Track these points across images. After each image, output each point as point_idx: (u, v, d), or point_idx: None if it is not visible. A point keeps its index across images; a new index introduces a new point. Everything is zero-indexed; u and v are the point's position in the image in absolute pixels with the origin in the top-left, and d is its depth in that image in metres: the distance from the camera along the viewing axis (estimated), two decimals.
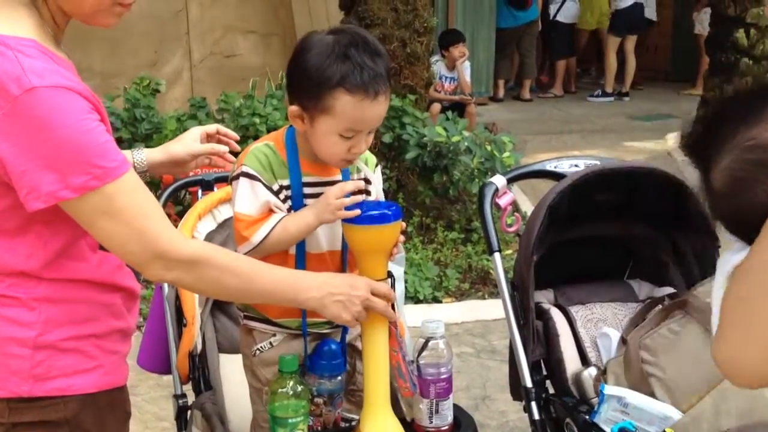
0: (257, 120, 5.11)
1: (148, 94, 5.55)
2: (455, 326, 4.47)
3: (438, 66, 8.14)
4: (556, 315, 2.23)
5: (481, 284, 4.85)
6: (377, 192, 1.94)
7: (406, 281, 4.64)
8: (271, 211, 1.77)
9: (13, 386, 1.46)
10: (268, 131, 5.15)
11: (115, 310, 1.57)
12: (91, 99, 1.40)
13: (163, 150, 1.94)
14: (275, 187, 1.79)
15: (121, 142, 5.04)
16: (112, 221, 1.41)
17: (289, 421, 1.71)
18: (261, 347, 1.89)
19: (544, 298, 2.35)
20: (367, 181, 1.92)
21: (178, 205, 4.75)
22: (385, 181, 5.34)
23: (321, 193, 1.83)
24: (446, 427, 1.88)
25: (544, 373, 2.21)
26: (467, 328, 4.45)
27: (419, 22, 5.81)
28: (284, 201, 1.81)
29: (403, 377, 1.82)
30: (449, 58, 8.11)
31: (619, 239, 2.38)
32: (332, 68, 1.67)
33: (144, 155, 1.91)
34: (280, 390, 1.73)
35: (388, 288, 1.76)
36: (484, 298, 4.76)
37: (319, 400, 1.87)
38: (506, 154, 5.01)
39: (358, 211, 1.70)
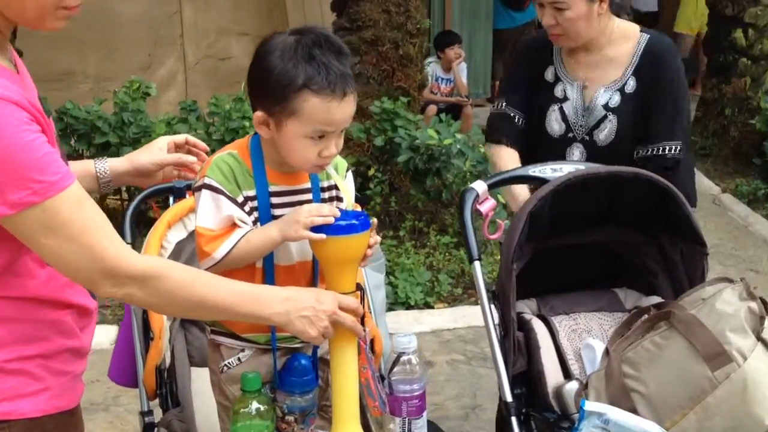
0: (247, 123, 5.04)
1: (138, 97, 5.48)
2: (447, 332, 4.40)
3: (434, 67, 8.08)
4: (538, 326, 2.15)
5: (474, 290, 4.77)
6: (348, 198, 1.87)
7: (395, 286, 4.57)
8: (234, 225, 1.70)
9: None
10: None
11: (65, 328, 1.50)
12: (30, 109, 1.33)
13: (127, 160, 1.87)
14: (240, 199, 1.72)
15: (109, 147, 4.98)
16: (56, 238, 1.34)
17: None
18: (228, 363, 1.82)
19: (527, 307, 2.27)
20: (338, 188, 1.86)
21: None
22: (377, 184, 5.28)
23: (289, 203, 1.77)
24: None
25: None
26: (459, 334, 4.37)
27: (412, 23, 5.74)
28: (250, 213, 1.74)
29: (372, 395, 1.74)
30: (445, 59, 8.04)
31: (605, 246, 2.30)
32: (297, 69, 1.61)
33: (107, 165, 1.84)
34: (242, 410, 1.66)
35: (356, 302, 1.69)
36: (477, 304, 4.67)
37: (290, 418, 1.81)
38: None
39: (323, 236, 1.63)
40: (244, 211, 1.73)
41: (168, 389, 2.08)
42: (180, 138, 1.93)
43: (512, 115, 2.71)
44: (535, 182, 2.32)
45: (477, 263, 2.22)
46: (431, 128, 5.06)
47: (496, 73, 10.30)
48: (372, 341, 2.22)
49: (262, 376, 1.73)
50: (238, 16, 8.16)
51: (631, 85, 2.61)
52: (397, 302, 4.54)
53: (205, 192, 1.71)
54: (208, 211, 1.70)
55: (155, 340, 2.06)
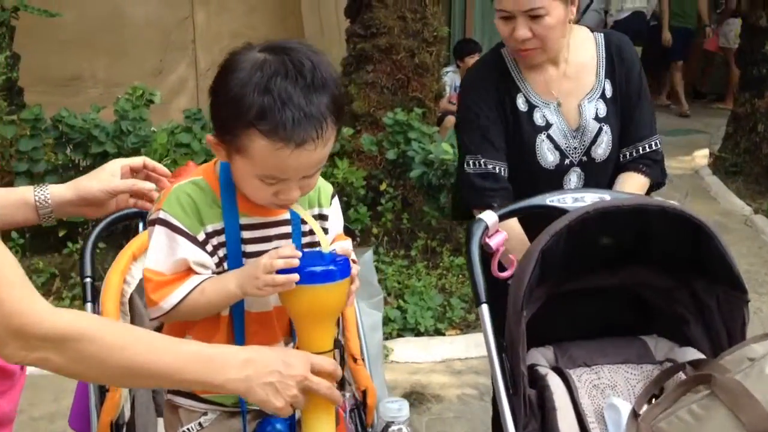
0: None
1: (141, 105, 5.23)
2: (458, 362, 4.10)
3: (452, 77, 7.81)
4: (554, 382, 1.85)
5: None
6: (335, 228, 1.60)
7: (404, 311, 4.29)
8: (189, 271, 1.43)
9: None
10: None
11: None
12: None
13: (72, 187, 1.61)
14: (201, 237, 1.46)
15: (107, 157, 4.73)
16: None
17: None
18: (188, 429, 1.55)
19: (543, 357, 1.98)
20: (323, 217, 1.58)
21: None
22: (388, 200, 4.99)
23: (263, 238, 1.50)
24: None
25: None
26: (471, 365, 4.07)
27: (429, 31, 5.46)
28: (216, 249, 1.47)
29: None
30: (464, 68, 7.75)
31: (630, 289, 2.01)
32: (249, 100, 1.32)
33: (48, 193, 1.58)
34: None
35: (333, 364, 1.42)
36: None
37: None
38: None
39: (293, 285, 1.36)
40: (206, 249, 1.46)
41: None
42: (137, 161, 1.66)
43: (495, 170, 2.30)
44: (554, 212, 2.03)
45: (485, 307, 1.93)
46: (446, 142, 4.77)
47: None
48: (364, 393, 1.96)
49: None
50: (252, 21, 7.93)
51: (609, 90, 2.35)
52: (405, 328, 4.26)
53: (158, 229, 1.45)
54: (160, 252, 1.44)
55: (110, 392, 1.78)
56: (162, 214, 1.45)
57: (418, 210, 5.09)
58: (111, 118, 4.97)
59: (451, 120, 7.71)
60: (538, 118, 2.33)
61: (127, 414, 1.86)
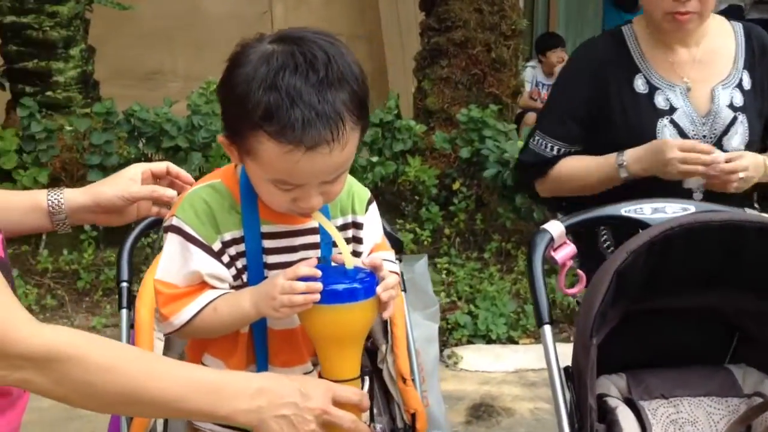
0: None
1: (214, 100, 5.18)
2: (531, 373, 3.89)
3: (534, 72, 7.55)
4: (625, 417, 1.66)
5: (566, 324, 4.23)
6: (371, 238, 1.45)
7: (475, 317, 4.11)
8: (204, 284, 1.30)
9: None
10: None
11: None
12: None
13: (87, 192, 1.50)
14: (216, 246, 1.32)
15: (179, 151, 4.69)
16: None
17: None
18: None
19: (614, 386, 1.79)
20: (357, 225, 1.44)
21: None
22: (461, 200, 4.81)
23: (287, 248, 1.36)
24: None
25: None
26: (546, 377, 3.84)
27: (506, 24, 5.25)
28: (234, 260, 1.34)
29: None
30: (546, 63, 7.49)
31: (718, 312, 1.79)
32: (255, 98, 1.18)
33: (62, 197, 1.47)
34: None
35: (359, 393, 1.26)
36: (569, 341, 4.15)
37: None
38: None
39: (309, 305, 1.21)
40: (222, 260, 1.33)
41: None
42: (159, 166, 1.54)
43: (554, 151, 2.23)
44: (630, 225, 1.84)
45: (547, 328, 1.75)
46: (522, 140, 4.55)
47: None
48: (413, 417, 1.81)
49: None
50: (329, 15, 7.85)
51: (747, 81, 2.16)
52: (476, 335, 4.07)
53: (171, 237, 1.33)
54: (172, 263, 1.32)
55: None
56: (175, 221, 1.33)
57: (493, 210, 4.89)
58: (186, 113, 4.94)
59: (531, 117, 7.45)
60: (660, 101, 2.15)
61: (159, 429, 1.75)
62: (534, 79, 7.59)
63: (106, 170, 4.58)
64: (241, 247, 1.34)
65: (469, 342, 4.05)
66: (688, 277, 1.71)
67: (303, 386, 1.22)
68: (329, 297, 1.22)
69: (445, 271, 4.51)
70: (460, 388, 3.67)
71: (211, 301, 1.29)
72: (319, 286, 1.21)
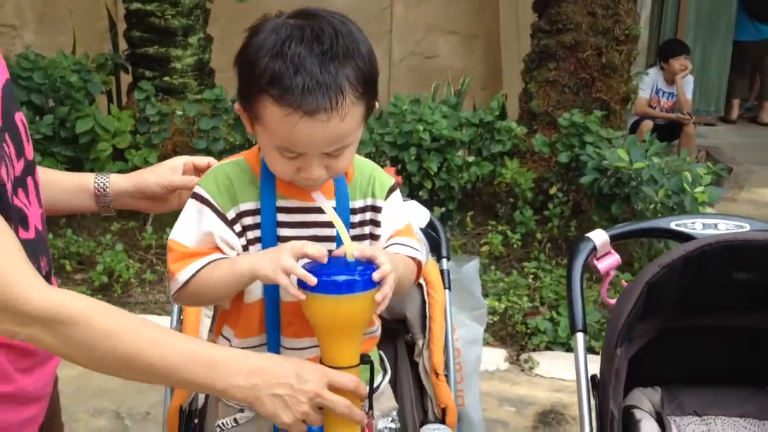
0: (421, 127, 4.71)
1: None
2: None
3: (655, 78, 7.33)
4: (647, 430, 1.63)
5: None
6: (390, 224, 1.49)
7: (557, 323, 4.06)
8: (216, 249, 1.38)
9: None
10: (433, 140, 4.74)
11: None
12: None
13: (131, 178, 1.59)
14: (230, 215, 1.39)
15: None
16: None
17: None
18: (223, 424, 1.49)
19: (647, 400, 1.76)
20: (376, 209, 1.48)
21: None
22: (557, 205, 4.75)
23: (301, 223, 1.42)
24: None
25: None
26: None
27: (620, 29, 5.12)
28: (245, 230, 1.41)
29: None
30: (669, 71, 7.27)
31: (760, 334, 1.73)
32: (262, 65, 1.26)
33: (107, 181, 1.57)
34: None
35: (354, 381, 1.30)
36: None
37: None
38: (699, 188, 4.24)
39: (311, 281, 1.26)
40: (233, 229, 1.39)
41: None
42: (202, 161, 1.62)
43: None
44: (677, 239, 1.80)
45: (580, 336, 1.75)
46: (622, 148, 4.45)
47: (733, 90, 9.27)
48: (444, 411, 1.84)
49: None
50: (448, 13, 7.86)
51: None
52: (556, 342, 4.02)
53: (190, 201, 1.42)
54: (188, 224, 1.40)
55: None
56: (197, 189, 1.42)
57: (589, 218, 4.80)
58: None
59: (648, 124, 7.25)
60: None
61: (201, 401, 1.85)
62: (654, 86, 7.37)
63: (211, 155, 4.78)
64: (256, 219, 1.40)
65: (548, 348, 4.01)
66: (728, 296, 1.66)
67: (300, 369, 1.27)
68: (329, 287, 1.26)
69: (532, 276, 4.47)
70: (531, 393, 3.65)
71: (213, 260, 1.36)
72: (313, 280, 1.25)
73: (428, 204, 4.86)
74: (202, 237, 1.38)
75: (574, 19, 5.10)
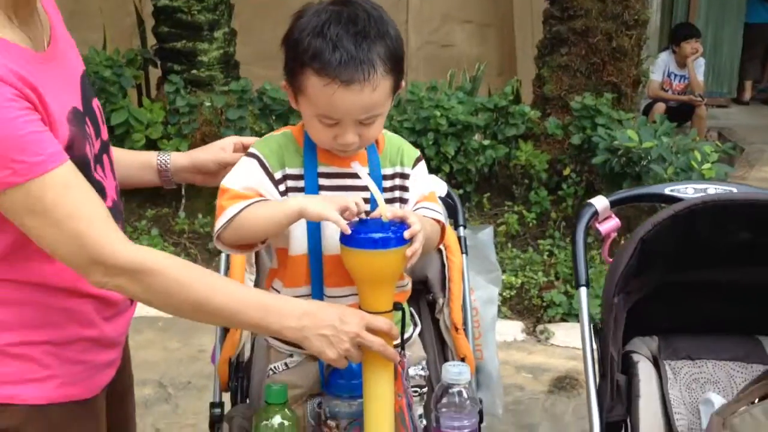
0: (438, 113, 4.92)
1: None
2: None
3: (667, 61, 7.49)
4: (644, 371, 1.85)
5: None
6: (417, 190, 1.69)
7: (571, 297, 4.26)
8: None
9: None
10: (450, 125, 4.95)
11: (81, 317, 1.46)
12: (15, 84, 1.26)
13: (188, 156, 1.81)
14: (277, 176, 1.60)
15: None
16: (41, 221, 1.29)
17: None
18: (275, 368, 1.72)
19: (645, 346, 1.96)
20: (404, 176, 1.69)
21: None
22: (571, 185, 4.95)
23: (339, 187, 1.62)
24: None
25: None
26: None
27: (629, 14, 5.30)
28: (288, 191, 1.61)
29: (405, 426, 1.56)
30: (680, 54, 7.44)
31: (747, 287, 1.93)
32: (305, 43, 1.47)
33: (169, 158, 1.79)
34: (263, 422, 1.55)
35: (388, 323, 1.51)
36: None
37: (332, 423, 1.65)
38: (707, 165, 4.43)
39: (347, 229, 1.47)
40: (279, 190, 1.60)
41: (240, 383, 2.02)
42: (250, 140, 1.83)
43: None
44: (670, 203, 2.00)
45: (583, 290, 1.96)
46: (632, 129, 4.64)
47: (745, 72, 9.40)
48: (463, 360, 2.04)
49: (307, 383, 1.65)
50: (463, 3, 8.04)
51: None
52: (571, 314, 4.23)
53: (244, 158, 1.62)
54: (240, 173, 1.60)
55: (231, 332, 2.00)
56: (251, 149, 1.63)
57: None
58: None
59: (660, 107, 7.42)
60: None
61: (247, 353, 2.07)
62: (666, 68, 7.54)
63: None
64: (298, 183, 1.60)
65: (563, 320, 4.22)
66: (716, 252, 1.86)
67: (342, 313, 1.48)
68: (367, 243, 1.47)
69: (547, 252, 4.68)
70: (548, 361, 3.86)
71: (261, 201, 1.56)
72: (348, 230, 1.46)
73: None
74: (251, 185, 1.58)
75: (584, 5, 5.28)
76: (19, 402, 1.40)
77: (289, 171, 1.61)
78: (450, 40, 8.12)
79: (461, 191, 5.04)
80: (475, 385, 2.08)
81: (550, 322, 4.19)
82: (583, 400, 3.58)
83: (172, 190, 1.89)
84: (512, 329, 4.21)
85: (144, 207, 5.02)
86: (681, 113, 7.29)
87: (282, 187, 1.61)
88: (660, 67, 7.48)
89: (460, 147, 4.97)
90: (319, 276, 1.61)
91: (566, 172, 5.04)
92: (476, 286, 2.30)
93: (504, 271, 4.54)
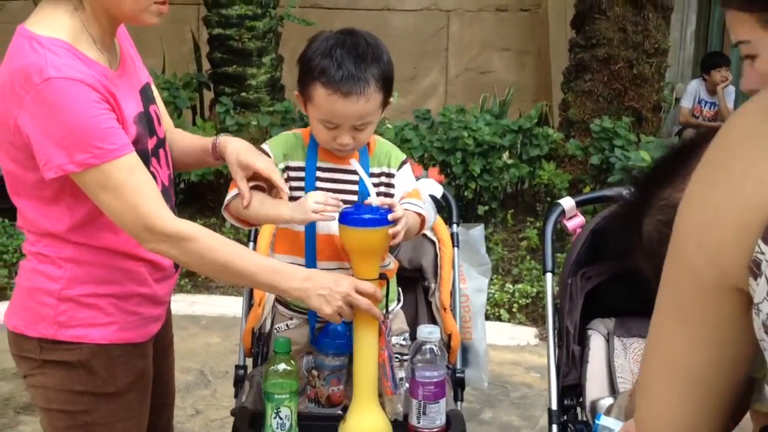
0: (465, 134, 5.29)
1: None
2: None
3: (697, 88, 7.75)
4: (595, 342, 2.19)
5: None
6: (402, 188, 2.04)
7: None
8: None
9: (42, 329, 1.79)
10: (477, 145, 5.32)
11: (137, 277, 1.85)
12: (101, 91, 1.66)
13: (234, 153, 2.01)
14: (280, 166, 1.97)
15: None
16: (110, 195, 1.68)
17: (276, 396, 1.91)
18: (278, 327, 2.12)
19: (603, 325, 2.30)
20: (390, 175, 2.04)
21: None
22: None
23: (333, 180, 1.99)
24: (436, 430, 1.95)
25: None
26: None
27: (650, 42, 5.63)
28: (289, 180, 1.97)
29: (386, 376, 1.93)
30: (710, 81, 7.67)
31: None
32: (316, 62, 1.85)
33: (218, 144, 2.03)
34: (272, 368, 1.93)
35: (373, 287, 1.88)
36: None
37: (315, 373, 2.03)
38: None
39: (334, 215, 1.85)
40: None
41: (261, 350, 2.41)
42: (263, 171, 2.01)
43: None
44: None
45: (549, 275, 2.31)
46: (645, 150, 4.96)
47: None
48: (450, 336, 2.40)
49: (303, 341, 2.04)
50: (501, 31, 8.41)
51: None
52: None
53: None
54: None
55: (254, 307, 2.39)
56: (263, 145, 2.01)
57: None
58: None
59: (690, 133, 7.66)
60: None
61: (268, 326, 2.46)
62: (697, 96, 7.79)
63: None
64: (297, 174, 1.98)
65: None
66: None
67: (336, 278, 1.86)
68: (359, 222, 1.84)
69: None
70: None
71: (263, 191, 1.93)
72: (334, 216, 1.85)
73: (473, 203, 5.43)
74: None
75: (607, 34, 5.63)
76: (88, 341, 1.80)
77: (292, 164, 1.99)
78: (488, 67, 8.49)
79: (486, 207, 5.40)
80: (462, 363, 2.43)
81: None
82: None
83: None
84: (526, 334, 4.53)
85: (193, 218, 5.48)
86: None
87: (285, 176, 1.99)
88: (691, 94, 7.73)
89: (485, 166, 5.33)
90: (312, 250, 1.99)
91: (586, 190, 5.35)
92: (468, 277, 2.66)
93: (521, 282, 4.88)
